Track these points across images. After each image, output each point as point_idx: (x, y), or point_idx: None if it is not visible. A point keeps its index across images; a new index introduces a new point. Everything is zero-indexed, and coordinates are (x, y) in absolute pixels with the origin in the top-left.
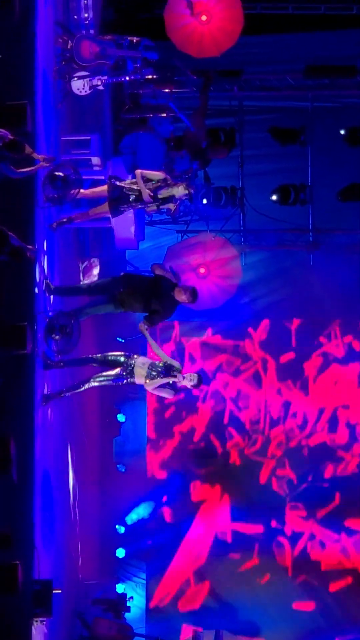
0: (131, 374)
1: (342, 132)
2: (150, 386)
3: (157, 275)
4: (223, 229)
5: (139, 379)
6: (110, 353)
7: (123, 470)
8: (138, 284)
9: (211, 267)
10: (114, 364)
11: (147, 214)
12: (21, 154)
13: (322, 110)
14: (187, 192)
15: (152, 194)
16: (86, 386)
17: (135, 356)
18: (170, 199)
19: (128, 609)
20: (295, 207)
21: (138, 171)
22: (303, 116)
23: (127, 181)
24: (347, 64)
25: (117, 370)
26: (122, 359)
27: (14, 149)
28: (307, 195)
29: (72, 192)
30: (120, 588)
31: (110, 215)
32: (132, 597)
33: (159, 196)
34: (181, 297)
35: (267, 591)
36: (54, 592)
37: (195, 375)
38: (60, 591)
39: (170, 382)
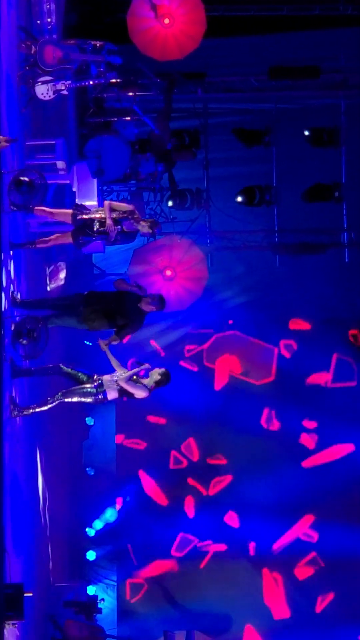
0: (101, 387)
1: (306, 132)
2: (123, 379)
3: (121, 290)
4: (189, 230)
5: (111, 394)
6: (77, 370)
7: (92, 473)
8: (101, 301)
9: (178, 269)
10: (81, 380)
11: (110, 243)
12: None
13: (286, 112)
14: (150, 231)
15: (115, 222)
16: (55, 401)
17: (96, 376)
18: (133, 234)
19: (99, 611)
20: (261, 208)
21: (107, 202)
22: (267, 117)
23: (93, 210)
24: (310, 65)
25: (87, 385)
26: (86, 378)
27: None
28: (272, 196)
29: (37, 199)
30: (91, 590)
31: (73, 244)
32: (103, 599)
33: (124, 229)
34: (149, 307)
35: (238, 589)
36: (25, 595)
37: (164, 370)
38: (31, 594)
39: (141, 372)
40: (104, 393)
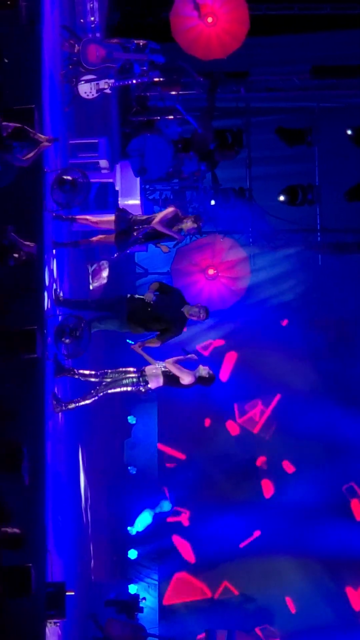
0: (143, 376)
1: (349, 132)
2: (170, 361)
3: (162, 294)
4: (232, 229)
5: (153, 383)
6: (121, 368)
7: (134, 472)
8: (142, 308)
9: (220, 268)
10: (124, 372)
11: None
12: (27, 139)
13: (329, 111)
14: (195, 225)
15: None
16: (98, 393)
17: (144, 367)
18: (178, 232)
19: (141, 610)
20: (303, 207)
21: (155, 221)
22: (310, 117)
23: (136, 215)
24: (353, 63)
25: (129, 375)
26: (132, 374)
27: (20, 136)
28: (314, 196)
29: (80, 198)
30: (132, 589)
31: (116, 247)
32: (144, 598)
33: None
34: (192, 316)
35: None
36: (67, 594)
37: (212, 372)
38: (73, 593)
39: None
40: (146, 382)
